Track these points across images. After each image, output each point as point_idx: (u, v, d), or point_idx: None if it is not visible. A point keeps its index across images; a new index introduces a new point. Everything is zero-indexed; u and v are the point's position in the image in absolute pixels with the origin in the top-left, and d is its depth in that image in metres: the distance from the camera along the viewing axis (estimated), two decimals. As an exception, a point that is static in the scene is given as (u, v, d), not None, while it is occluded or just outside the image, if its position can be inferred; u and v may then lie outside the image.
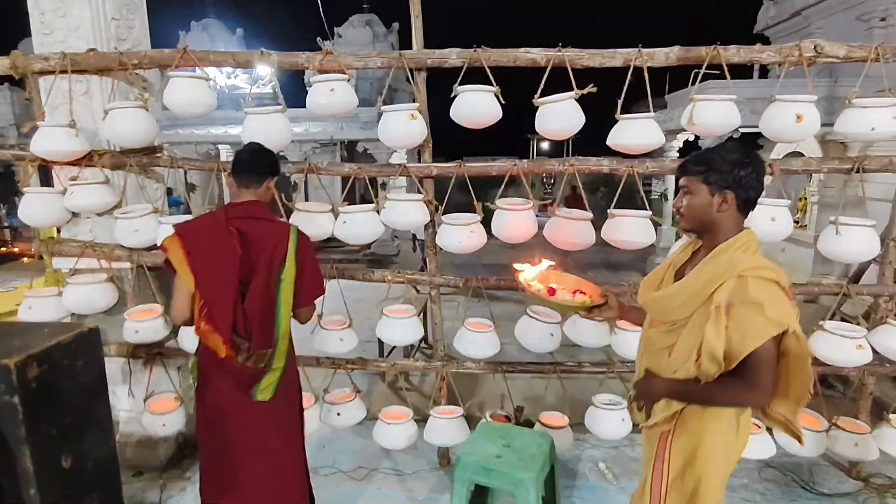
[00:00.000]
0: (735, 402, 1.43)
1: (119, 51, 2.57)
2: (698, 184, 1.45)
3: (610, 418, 2.61)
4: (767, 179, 2.47)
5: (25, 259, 9.52)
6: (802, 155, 7.28)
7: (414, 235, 8.49)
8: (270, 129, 2.49)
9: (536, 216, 2.54)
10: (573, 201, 10.47)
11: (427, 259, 2.80)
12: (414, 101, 2.56)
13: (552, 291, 1.80)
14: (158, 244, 2.38)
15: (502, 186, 2.61)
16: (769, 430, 2.51)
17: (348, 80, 2.47)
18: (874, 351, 2.48)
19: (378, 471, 2.96)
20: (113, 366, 2.76)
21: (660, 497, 1.52)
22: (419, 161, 2.75)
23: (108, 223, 2.73)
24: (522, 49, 2.42)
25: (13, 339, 1.62)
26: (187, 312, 1.82)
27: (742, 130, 6.78)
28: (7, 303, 4.41)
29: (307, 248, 1.94)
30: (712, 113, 2.29)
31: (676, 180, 1.57)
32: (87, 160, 2.62)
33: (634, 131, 2.35)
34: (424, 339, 4.59)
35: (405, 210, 2.57)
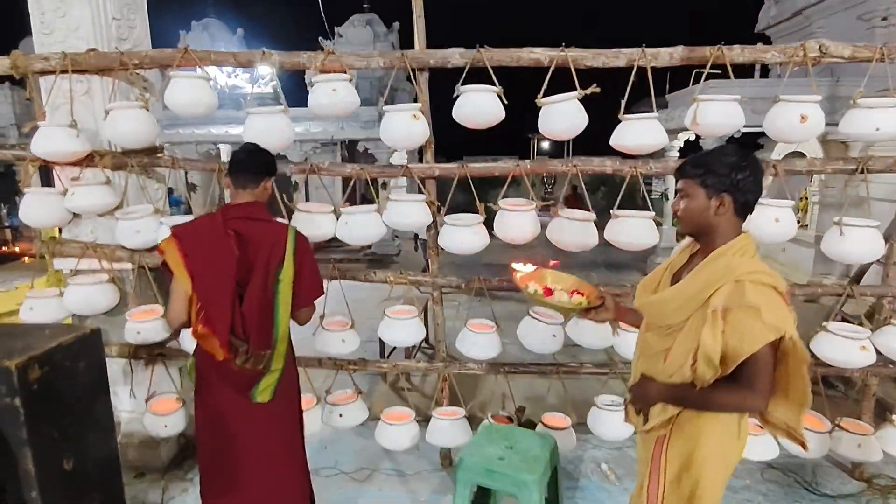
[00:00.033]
0: (731, 407, 1.42)
1: (120, 51, 2.56)
2: (695, 187, 1.44)
3: (612, 419, 2.61)
4: (768, 180, 2.47)
5: (26, 259, 9.51)
6: (803, 155, 7.27)
7: (416, 235, 8.49)
8: (272, 129, 2.48)
9: (538, 216, 2.53)
10: (573, 201, 10.48)
11: (429, 260, 2.80)
12: (415, 100, 2.56)
13: (549, 292, 1.78)
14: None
15: (505, 187, 2.60)
16: (772, 430, 2.50)
17: (350, 81, 2.47)
18: (878, 352, 2.47)
19: (380, 472, 2.96)
20: (114, 367, 2.76)
21: (657, 502, 1.51)
22: (420, 160, 2.74)
23: (109, 224, 2.72)
24: (526, 49, 2.41)
25: (14, 341, 1.61)
26: (184, 315, 1.81)
27: (743, 130, 6.76)
28: (8, 303, 4.41)
29: (305, 249, 1.93)
30: (716, 113, 2.28)
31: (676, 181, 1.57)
32: (87, 161, 2.61)
33: (637, 132, 2.34)
34: (425, 338, 4.58)
35: (407, 211, 2.56)
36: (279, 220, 2.05)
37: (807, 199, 8.00)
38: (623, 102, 2.34)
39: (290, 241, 1.87)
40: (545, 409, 2.85)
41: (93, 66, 2.53)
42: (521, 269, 1.85)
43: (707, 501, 1.46)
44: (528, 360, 2.83)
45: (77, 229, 2.79)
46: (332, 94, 2.42)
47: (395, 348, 4.34)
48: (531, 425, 2.98)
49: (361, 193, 10.30)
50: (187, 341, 2.67)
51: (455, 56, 2.45)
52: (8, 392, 1.47)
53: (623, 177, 2.52)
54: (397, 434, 2.74)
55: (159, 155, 2.82)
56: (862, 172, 2.40)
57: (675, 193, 1.54)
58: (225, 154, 10.71)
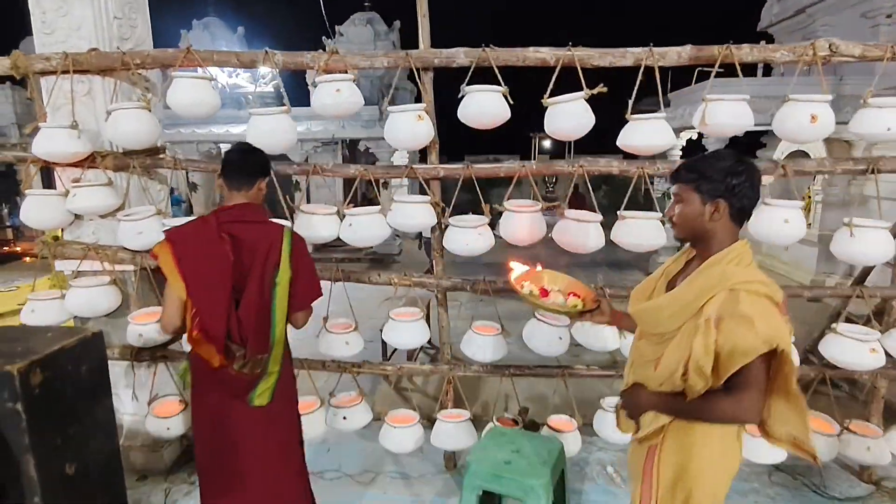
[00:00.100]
0: (721, 419, 1.38)
1: (121, 50, 2.54)
2: (690, 192, 1.41)
3: (619, 422, 2.58)
4: (772, 180, 2.45)
5: (28, 259, 9.51)
6: (806, 154, 7.24)
7: (419, 233, 8.47)
8: (275, 129, 2.46)
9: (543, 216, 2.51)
10: (574, 200, 10.45)
11: (434, 261, 2.77)
12: (416, 100, 2.53)
13: (545, 293, 1.76)
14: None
15: (511, 188, 2.58)
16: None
17: (354, 81, 2.44)
18: (887, 354, 2.45)
19: (384, 474, 2.94)
20: (116, 369, 2.74)
21: None
22: (421, 159, 2.72)
23: (111, 225, 2.70)
24: (532, 48, 2.39)
25: (16, 345, 1.59)
26: (177, 320, 1.79)
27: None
28: (9, 302, 4.39)
29: (301, 251, 1.89)
30: (725, 113, 2.26)
31: None
32: (89, 161, 2.59)
33: (646, 132, 2.32)
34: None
35: (412, 212, 2.54)
36: (274, 220, 2.01)
37: (810, 197, 7.97)
38: (630, 102, 2.31)
39: (286, 243, 1.84)
40: (548, 410, 2.83)
41: (94, 66, 2.51)
42: (518, 267, 1.82)
43: None
44: (530, 358, 2.81)
45: (79, 231, 2.77)
46: (336, 94, 2.40)
47: (396, 348, 4.32)
48: (534, 426, 2.96)
49: (362, 193, 10.28)
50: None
51: (460, 55, 2.42)
52: (10, 397, 1.45)
53: (626, 177, 2.49)
54: (401, 437, 2.72)
55: (161, 156, 2.80)
56: (872, 173, 2.37)
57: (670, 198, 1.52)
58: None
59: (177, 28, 12.09)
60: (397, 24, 11.63)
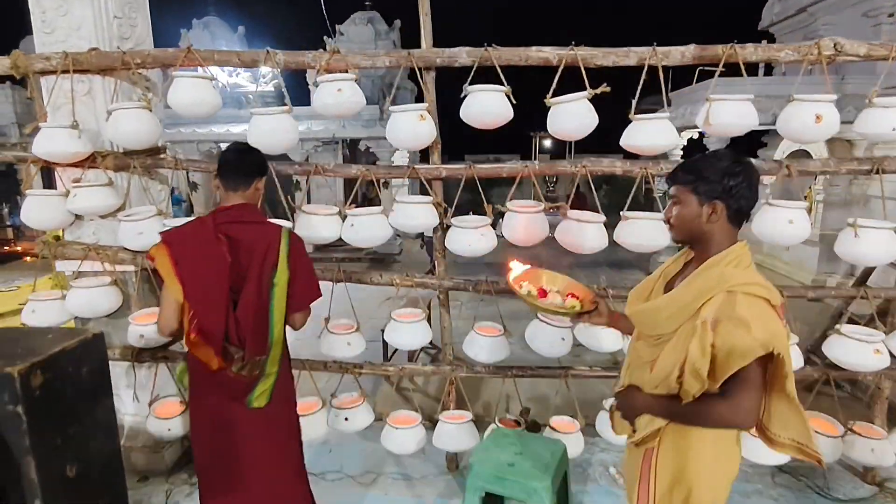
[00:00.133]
0: (717, 423, 1.36)
1: (122, 50, 2.53)
2: (687, 194, 1.39)
3: (621, 423, 2.57)
4: (773, 179, 2.43)
5: (28, 258, 9.50)
6: (808, 153, 7.23)
7: (421, 233, 8.46)
8: (277, 129, 2.45)
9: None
10: (575, 200, 10.43)
11: (436, 262, 2.76)
12: (417, 99, 2.52)
13: (543, 293, 1.74)
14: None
15: (513, 188, 2.57)
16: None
17: (356, 80, 2.43)
18: (891, 355, 2.44)
19: (385, 475, 2.93)
20: (117, 370, 2.73)
21: None
22: (422, 159, 2.71)
23: (111, 225, 2.69)
24: (534, 48, 2.38)
25: (16, 346, 1.58)
26: (174, 323, 1.77)
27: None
28: (10, 302, 4.38)
29: (300, 251, 1.88)
30: (729, 113, 2.25)
31: None
32: (89, 162, 2.58)
33: (650, 132, 2.31)
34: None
35: (414, 213, 2.52)
36: (272, 220, 2.00)
37: (812, 197, 7.96)
38: (634, 102, 2.30)
39: (284, 244, 1.82)
40: (550, 411, 2.82)
41: (94, 65, 2.50)
42: (517, 267, 1.80)
43: None
44: (532, 358, 2.81)
45: (79, 231, 2.76)
46: (338, 94, 2.38)
47: (397, 349, 4.32)
48: (536, 427, 2.95)
49: (363, 192, 10.28)
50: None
51: (462, 55, 2.41)
52: (10, 399, 1.44)
53: (628, 177, 2.48)
54: (403, 438, 2.71)
55: (162, 156, 2.79)
56: (877, 173, 2.36)
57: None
58: (226, 153, 10.68)
59: (177, 27, 12.09)
60: (398, 23, 11.63)
